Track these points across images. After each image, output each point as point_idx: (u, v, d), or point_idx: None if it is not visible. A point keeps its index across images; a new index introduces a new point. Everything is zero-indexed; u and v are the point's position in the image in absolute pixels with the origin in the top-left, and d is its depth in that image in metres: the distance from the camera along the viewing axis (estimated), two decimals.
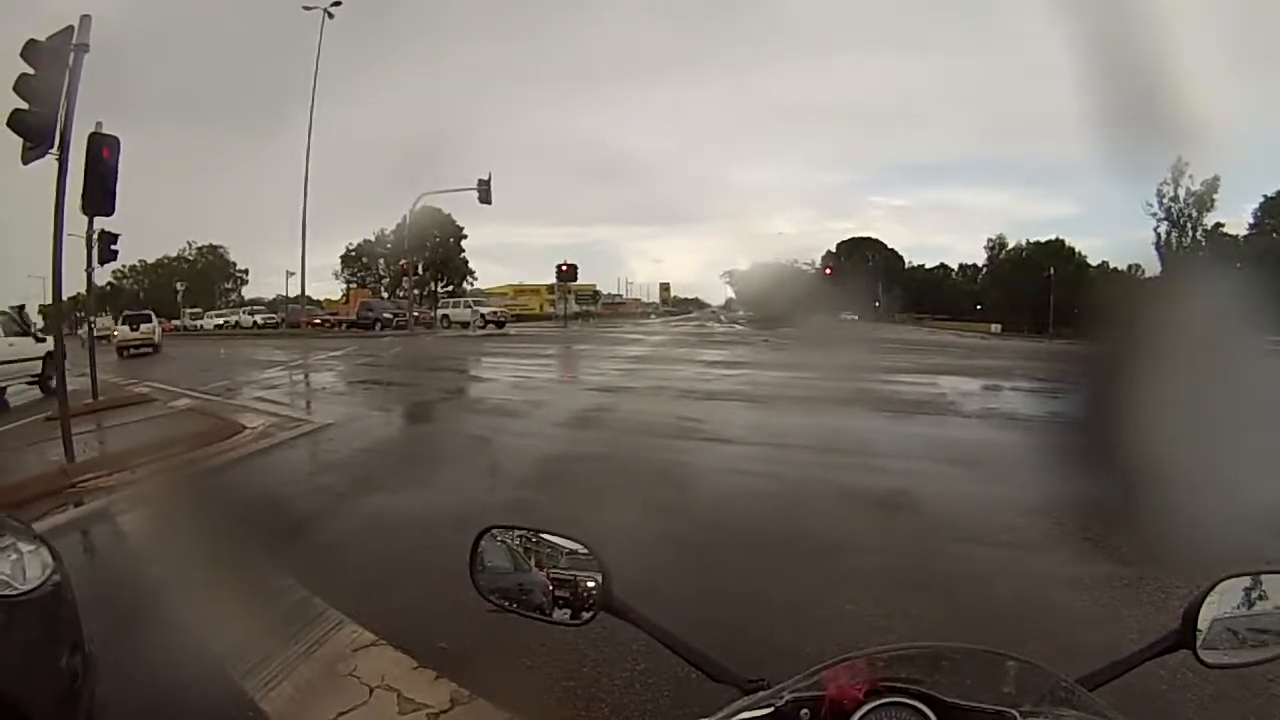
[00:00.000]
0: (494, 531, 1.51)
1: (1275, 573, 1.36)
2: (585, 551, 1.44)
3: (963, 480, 8.76)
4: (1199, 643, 1.33)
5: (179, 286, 55.27)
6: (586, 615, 1.43)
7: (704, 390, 16.40)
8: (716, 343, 33.58)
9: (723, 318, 54.27)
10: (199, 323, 49.18)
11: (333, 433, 11.40)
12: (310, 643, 4.30)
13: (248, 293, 60.17)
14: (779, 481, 8.72)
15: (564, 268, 45.59)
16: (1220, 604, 1.34)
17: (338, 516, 7.20)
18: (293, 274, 49.05)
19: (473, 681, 3.81)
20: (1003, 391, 17.69)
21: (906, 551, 6.22)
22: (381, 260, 58.09)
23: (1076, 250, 47.96)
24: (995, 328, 46.26)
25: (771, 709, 1.08)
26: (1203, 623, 1.33)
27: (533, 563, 1.47)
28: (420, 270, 52.62)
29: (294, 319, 41.00)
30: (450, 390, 17.24)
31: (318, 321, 42.26)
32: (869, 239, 51.72)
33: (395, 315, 40.78)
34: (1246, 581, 1.35)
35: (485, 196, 36.02)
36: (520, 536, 1.49)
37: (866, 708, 1.05)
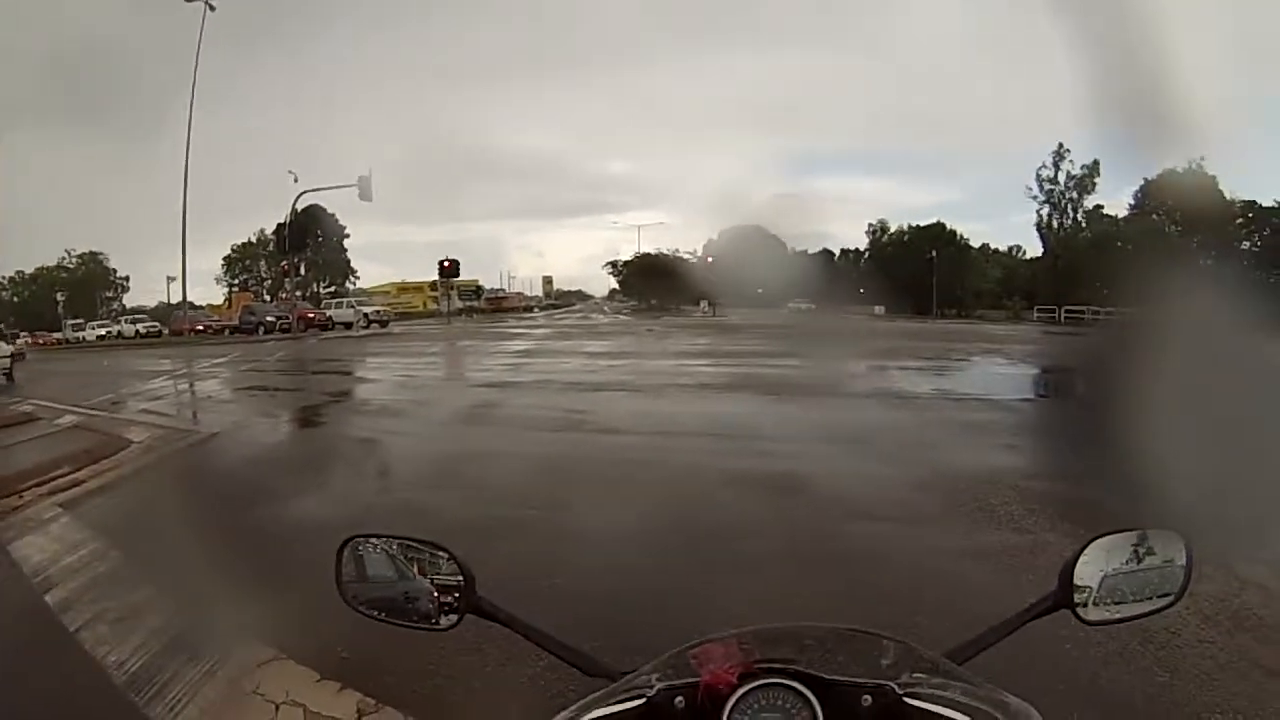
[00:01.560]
0: (356, 541, 1.48)
1: (1157, 529, 1.41)
2: (447, 555, 1.44)
3: (849, 459, 9.09)
4: (1077, 601, 1.37)
5: (59, 297, 52.86)
6: (453, 619, 1.43)
7: (590, 382, 16.80)
8: (601, 334, 33.63)
9: (607, 309, 54.46)
10: (81, 334, 47.21)
11: (220, 442, 11.47)
12: (212, 662, 4.26)
13: (130, 300, 57.75)
14: (668, 469, 8.94)
15: (446, 264, 45.15)
16: (1095, 562, 1.38)
17: (230, 529, 6.84)
18: (174, 279, 47.32)
19: (378, 690, 3.86)
20: (886, 371, 18.35)
21: (798, 533, 6.46)
22: (263, 262, 56.58)
23: (958, 233, 49.50)
24: (879, 309, 47.43)
25: (643, 700, 1.08)
26: (1080, 580, 1.38)
27: (396, 570, 1.46)
28: (302, 271, 51.51)
29: (177, 326, 39.80)
30: (335, 393, 17.22)
31: (200, 328, 41.04)
32: (751, 227, 52.28)
33: (279, 318, 39.91)
34: (1119, 539, 1.40)
35: (366, 193, 36.00)
36: (384, 543, 1.47)
37: (742, 690, 1.04)
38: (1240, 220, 38.88)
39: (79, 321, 48.96)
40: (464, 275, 48.81)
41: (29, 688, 4.09)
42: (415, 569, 1.45)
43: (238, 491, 8.67)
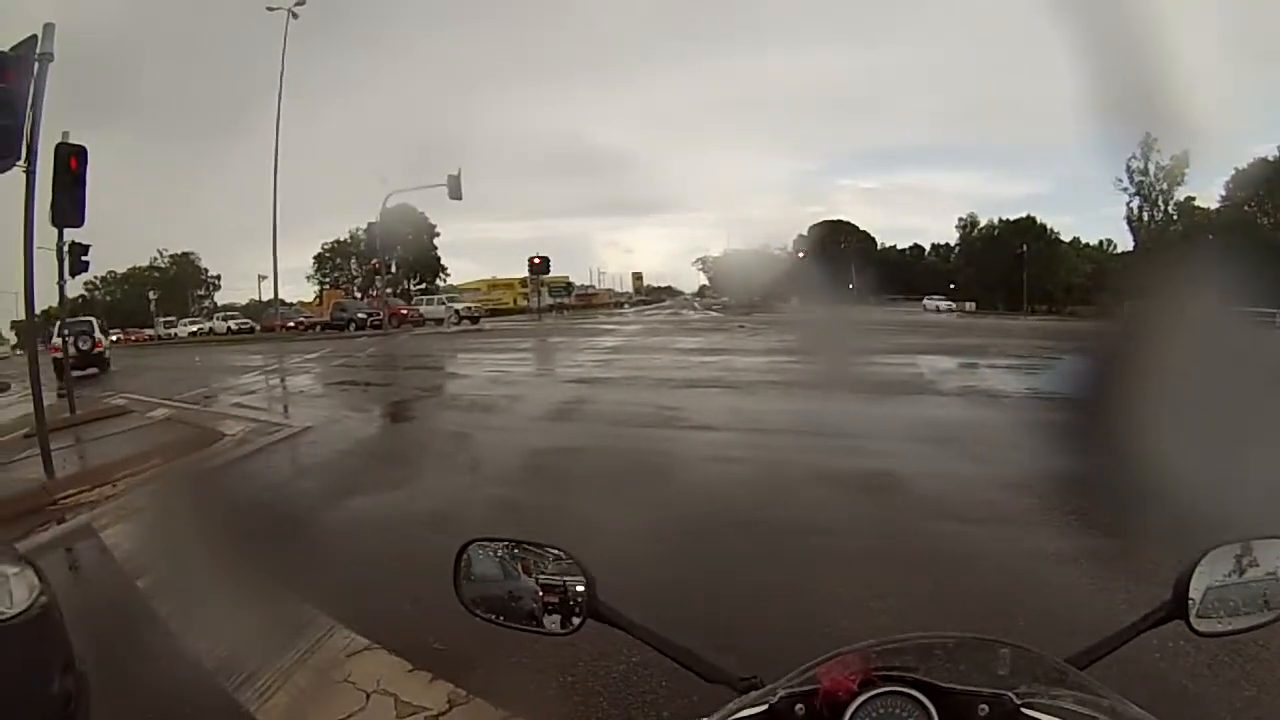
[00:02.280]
0: (477, 544, 1.48)
1: (1264, 539, 1.37)
2: (568, 559, 1.43)
3: (941, 459, 8.77)
4: (1191, 612, 1.34)
5: (151, 296, 54.65)
6: (575, 623, 1.42)
7: (682, 378, 16.45)
8: (692, 330, 33.59)
9: (697, 305, 54.22)
10: (173, 331, 48.70)
11: (312, 435, 11.40)
12: (303, 650, 4.26)
13: (221, 298, 59.71)
14: (761, 467, 8.72)
15: (536, 260, 45.51)
16: (1210, 573, 1.34)
17: (321, 521, 7.14)
18: (265, 278, 48.52)
19: (470, 682, 3.80)
20: (979, 369, 17.78)
21: (890, 531, 6.27)
22: (354, 260, 57.78)
23: (1048, 226, 48.24)
24: (969, 305, 46.51)
25: (766, 706, 1.07)
26: (1194, 592, 1.34)
27: (518, 573, 1.44)
28: (393, 268, 52.36)
29: (268, 323, 40.65)
30: (427, 388, 17.21)
31: (292, 325, 41.88)
32: (841, 222, 51.79)
33: (370, 315, 40.52)
34: (1236, 549, 1.35)
35: (456, 192, 35.83)
36: (503, 547, 1.46)
37: (862, 698, 1.04)
38: None
39: (171, 319, 50.50)
40: (554, 272, 49.17)
41: (123, 671, 3.99)
42: (534, 572, 1.44)
43: (326, 484, 8.76)
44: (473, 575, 1.48)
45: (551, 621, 1.42)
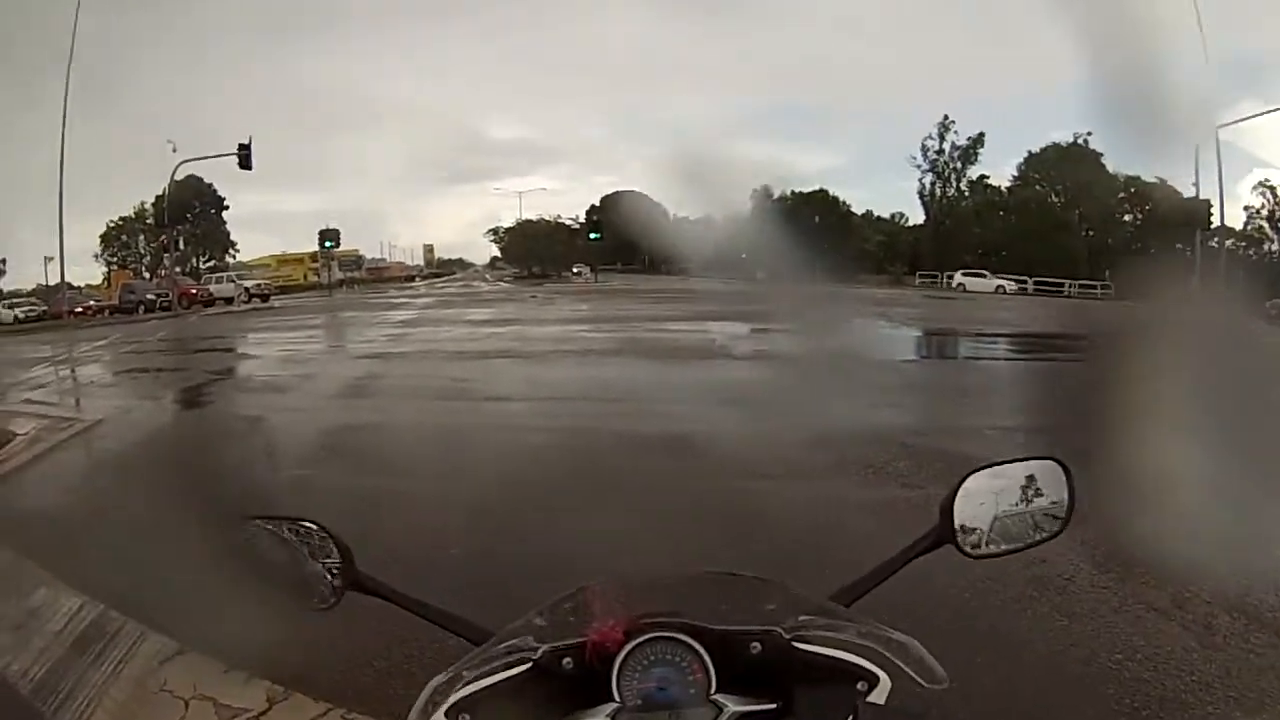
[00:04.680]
0: (246, 523, 1.42)
1: (1020, 460, 1.41)
2: (322, 532, 1.39)
3: (733, 421, 9.37)
4: (958, 537, 1.36)
5: None
6: (333, 598, 1.38)
7: (475, 350, 17.10)
8: (484, 302, 33.71)
9: (488, 276, 54.08)
10: None
11: (105, 429, 11.37)
12: (115, 661, 4.19)
13: (6, 284, 55.05)
14: (558, 434, 9.29)
15: (325, 234, 44.33)
16: (975, 495, 1.37)
17: (121, 520, 6.68)
18: (51, 259, 45.07)
19: (286, 678, 3.83)
20: (768, 334, 18.94)
21: (690, 490, 6.75)
22: (142, 237, 54.36)
23: (840, 199, 50.08)
24: (760, 274, 47.91)
25: (529, 665, 1.07)
26: (960, 517, 1.36)
27: (272, 551, 1.39)
28: (181, 245, 49.69)
29: (55, 309, 38.11)
30: (219, 371, 17.11)
31: (80, 310, 39.35)
32: (632, 193, 52.27)
33: (159, 296, 38.68)
34: (998, 470, 1.39)
35: (245, 162, 34.71)
36: (257, 526, 1.40)
37: (630, 646, 1.05)
38: (1123, 195, 40.50)
39: None
40: (345, 245, 47.84)
41: None
42: (287, 548, 1.39)
43: (117, 482, 8.68)
44: (234, 557, 1.46)
45: (311, 597, 1.38)
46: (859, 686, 1.06)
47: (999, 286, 38.42)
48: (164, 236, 44.75)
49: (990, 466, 1.38)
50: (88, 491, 8.52)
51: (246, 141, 34.74)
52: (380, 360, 16.44)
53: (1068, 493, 1.38)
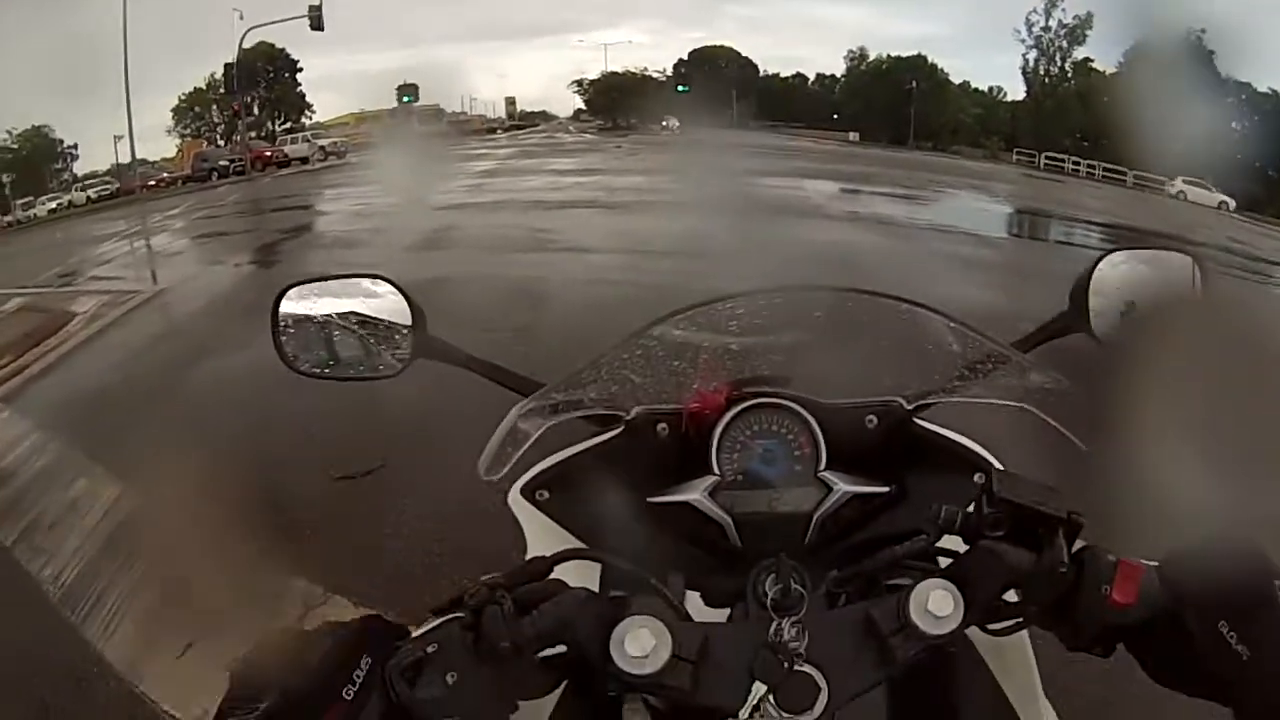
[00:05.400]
0: (291, 291, 1.30)
1: (1156, 249, 1.39)
2: (394, 291, 1.29)
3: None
4: (1091, 321, 1.30)
5: (4, 180, 51.28)
6: (401, 362, 1.29)
7: (556, 200, 16.07)
8: (567, 152, 33.11)
9: (572, 129, 53.41)
10: (31, 212, 46.11)
11: (166, 298, 11.11)
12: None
13: (80, 168, 56.25)
14: (644, 289, 8.70)
15: (404, 89, 44.23)
16: (1107, 280, 1.32)
17: (182, 394, 6.84)
18: (121, 138, 45.92)
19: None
20: (861, 195, 17.84)
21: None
22: (215, 107, 54.97)
23: (939, 67, 48.45)
24: (853, 136, 46.75)
25: (621, 427, 1.00)
26: (1093, 301, 1.30)
27: (337, 316, 1.30)
28: (256, 111, 50.19)
29: (126, 185, 38.97)
30: (288, 230, 16.60)
31: (153, 183, 40.14)
32: (722, 47, 50.95)
33: (232, 161, 39.07)
34: (1127, 255, 1.36)
35: (317, 23, 34.47)
36: (319, 289, 1.31)
37: (732, 413, 0.96)
38: (1232, 100, 37.79)
39: (28, 199, 47.81)
40: (424, 101, 47.66)
41: None
42: (356, 312, 1.30)
43: (175, 352, 8.50)
44: (292, 327, 1.31)
45: (378, 363, 1.29)
46: (976, 479, 1.02)
47: (1221, 203, 35.54)
48: (236, 103, 44.80)
49: (1122, 250, 1.35)
50: (138, 368, 8.27)
51: (317, 2, 34.37)
52: (458, 211, 15.60)
53: (1199, 287, 1.34)
